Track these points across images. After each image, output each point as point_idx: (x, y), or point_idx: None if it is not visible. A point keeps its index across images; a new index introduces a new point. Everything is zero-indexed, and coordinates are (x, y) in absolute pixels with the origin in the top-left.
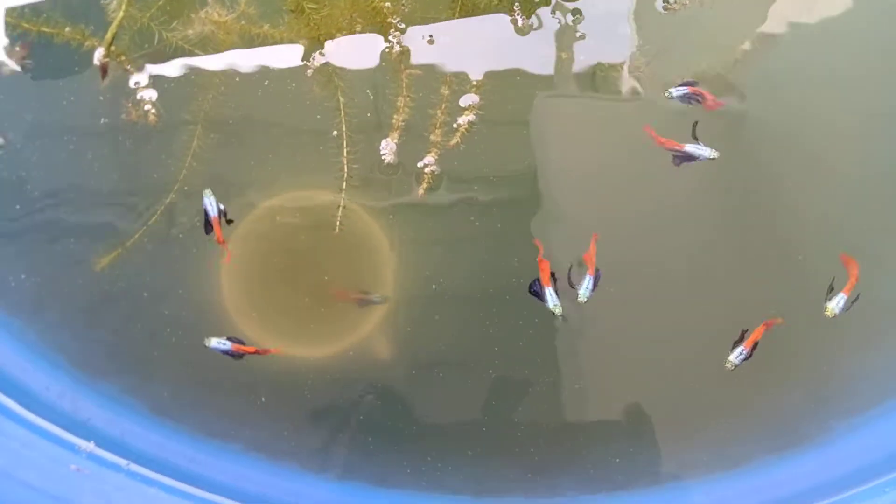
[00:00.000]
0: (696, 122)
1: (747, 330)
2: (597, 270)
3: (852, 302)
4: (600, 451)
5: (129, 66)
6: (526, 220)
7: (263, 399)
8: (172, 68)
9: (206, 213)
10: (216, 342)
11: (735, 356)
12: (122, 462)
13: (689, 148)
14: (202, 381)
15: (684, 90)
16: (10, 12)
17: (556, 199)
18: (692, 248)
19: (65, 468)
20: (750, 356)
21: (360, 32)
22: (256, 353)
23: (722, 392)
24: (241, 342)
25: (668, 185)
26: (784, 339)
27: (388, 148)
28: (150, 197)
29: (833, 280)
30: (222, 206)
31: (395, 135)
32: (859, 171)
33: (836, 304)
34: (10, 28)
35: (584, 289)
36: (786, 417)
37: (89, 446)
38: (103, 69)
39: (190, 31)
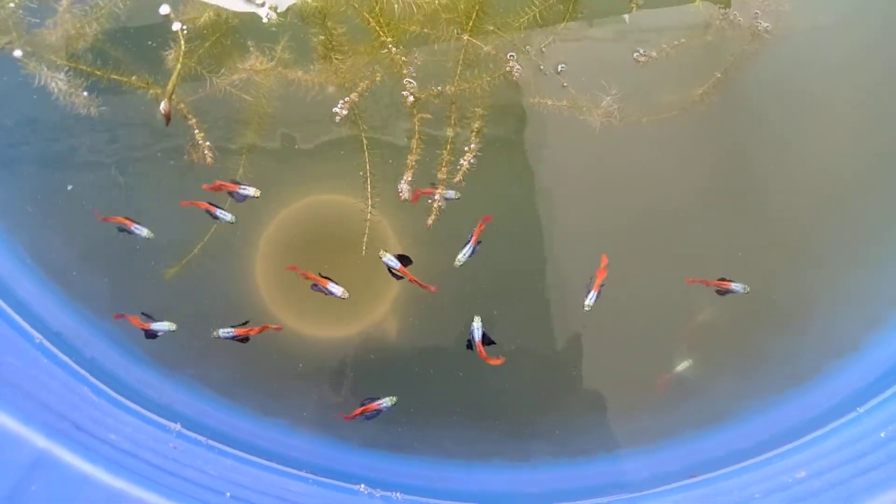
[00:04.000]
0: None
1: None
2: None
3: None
4: (579, 416)
5: (188, 115)
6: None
7: (301, 365)
8: (221, 110)
9: None
10: (222, 332)
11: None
12: (202, 439)
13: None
14: (253, 363)
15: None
16: (82, 60)
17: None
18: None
19: (166, 446)
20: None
21: (380, 81)
22: (260, 331)
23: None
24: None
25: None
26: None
27: (403, 187)
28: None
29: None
30: None
31: (409, 174)
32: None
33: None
34: (84, 76)
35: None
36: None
37: (176, 427)
38: (167, 116)
39: (235, 77)
